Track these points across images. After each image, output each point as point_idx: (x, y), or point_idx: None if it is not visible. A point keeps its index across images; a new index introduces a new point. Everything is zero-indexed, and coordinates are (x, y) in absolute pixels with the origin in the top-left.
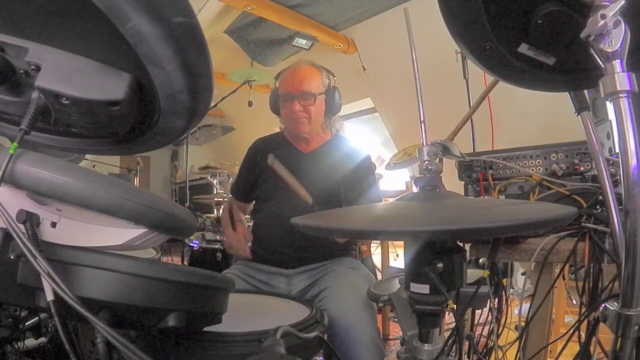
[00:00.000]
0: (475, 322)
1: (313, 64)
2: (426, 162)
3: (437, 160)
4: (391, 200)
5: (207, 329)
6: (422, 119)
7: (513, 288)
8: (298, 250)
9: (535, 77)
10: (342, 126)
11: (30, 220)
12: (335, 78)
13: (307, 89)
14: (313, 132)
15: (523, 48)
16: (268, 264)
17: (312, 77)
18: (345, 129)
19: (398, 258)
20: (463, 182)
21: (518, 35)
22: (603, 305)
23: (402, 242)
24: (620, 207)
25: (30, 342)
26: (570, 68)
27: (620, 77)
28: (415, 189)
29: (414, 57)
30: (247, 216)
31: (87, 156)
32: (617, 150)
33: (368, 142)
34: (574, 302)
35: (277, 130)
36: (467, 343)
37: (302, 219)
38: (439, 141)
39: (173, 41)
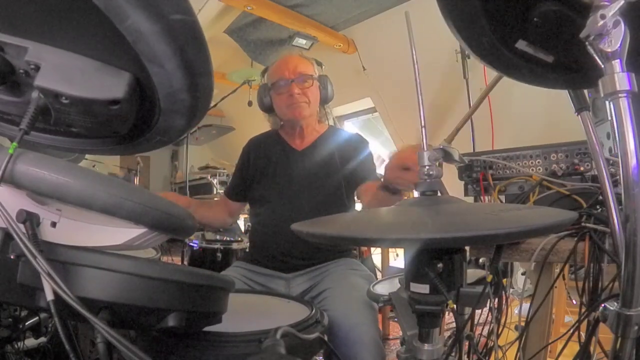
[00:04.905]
0: (475, 322)
1: (301, 54)
2: (427, 167)
3: (437, 165)
4: None
5: (207, 329)
6: (422, 124)
7: (513, 288)
8: (297, 257)
9: (534, 73)
10: (336, 122)
11: (30, 220)
12: (324, 67)
13: (303, 70)
14: (311, 120)
15: (521, 44)
16: (267, 267)
17: (305, 62)
18: (343, 127)
19: (398, 258)
20: (463, 182)
21: (516, 32)
22: (603, 305)
23: None
24: (620, 207)
25: (30, 342)
26: (569, 67)
27: (619, 77)
28: (415, 190)
29: (415, 60)
30: (245, 215)
31: (87, 156)
32: (617, 150)
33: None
34: (574, 302)
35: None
36: (467, 343)
37: (302, 225)
38: (440, 146)
39: (172, 39)
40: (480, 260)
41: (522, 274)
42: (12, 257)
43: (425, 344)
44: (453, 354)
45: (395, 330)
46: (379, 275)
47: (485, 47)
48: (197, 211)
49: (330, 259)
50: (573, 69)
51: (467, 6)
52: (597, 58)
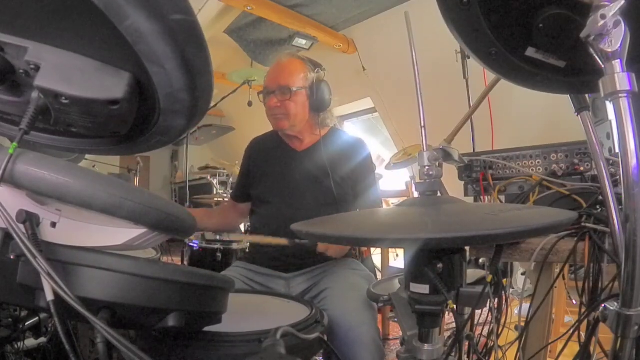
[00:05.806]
0: (475, 322)
1: (298, 56)
2: (426, 167)
3: (437, 165)
4: (391, 201)
5: (207, 329)
6: (422, 124)
7: (513, 288)
8: (296, 257)
9: (548, 80)
10: (338, 124)
11: (30, 220)
12: (325, 70)
13: (284, 82)
14: (297, 130)
15: (530, 52)
16: (266, 267)
17: (292, 70)
18: (343, 128)
19: (398, 258)
20: (463, 182)
21: (523, 39)
22: (603, 305)
23: None
24: (620, 207)
25: (30, 342)
26: (581, 69)
27: (620, 77)
28: (415, 191)
29: (415, 60)
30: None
31: (87, 156)
32: (617, 150)
33: (368, 142)
34: (574, 302)
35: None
36: (467, 343)
37: (302, 225)
38: (440, 147)
39: (172, 39)
40: (480, 260)
41: (522, 274)
42: (12, 257)
43: (425, 344)
44: (453, 354)
45: (395, 330)
46: (379, 275)
47: (494, 58)
48: (209, 221)
49: (330, 259)
50: (585, 72)
51: (470, 18)
52: (597, 58)
